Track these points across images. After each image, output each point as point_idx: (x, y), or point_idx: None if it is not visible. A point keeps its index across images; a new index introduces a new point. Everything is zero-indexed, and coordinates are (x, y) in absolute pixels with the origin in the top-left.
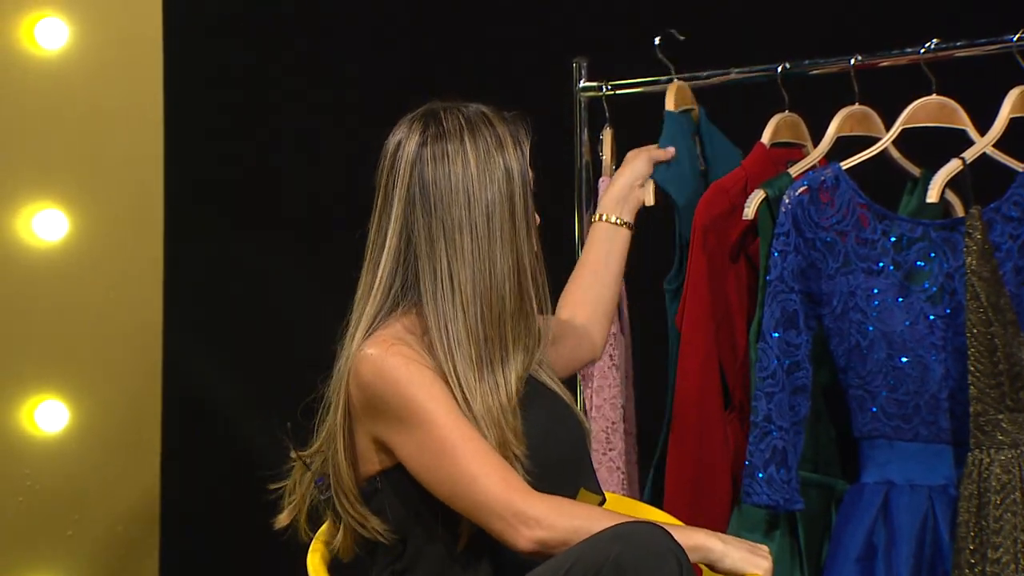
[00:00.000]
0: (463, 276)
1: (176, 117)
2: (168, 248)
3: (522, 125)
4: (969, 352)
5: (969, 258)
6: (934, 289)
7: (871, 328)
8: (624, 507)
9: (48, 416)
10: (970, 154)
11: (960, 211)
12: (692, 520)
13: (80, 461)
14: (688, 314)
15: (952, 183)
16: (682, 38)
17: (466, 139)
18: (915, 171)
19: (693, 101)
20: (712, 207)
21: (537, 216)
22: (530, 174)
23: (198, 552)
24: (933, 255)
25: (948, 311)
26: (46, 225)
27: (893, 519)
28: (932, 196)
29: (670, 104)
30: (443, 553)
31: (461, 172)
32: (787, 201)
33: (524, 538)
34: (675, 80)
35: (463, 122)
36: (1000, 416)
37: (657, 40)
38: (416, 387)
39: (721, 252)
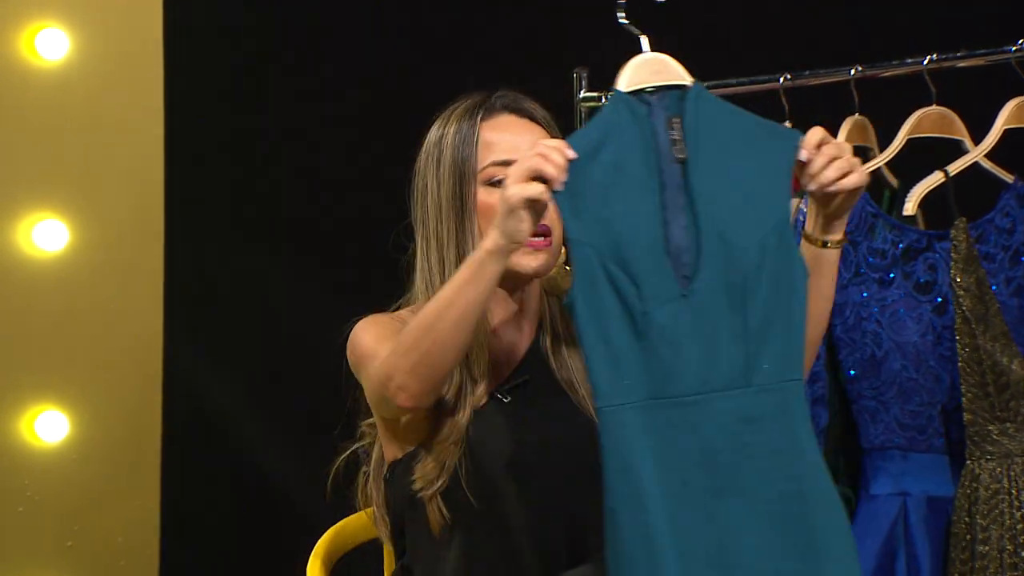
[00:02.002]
0: (419, 276)
1: (177, 127)
2: (168, 258)
3: (494, 111)
4: (959, 364)
5: (954, 270)
6: (939, 300)
7: (885, 339)
8: None
9: (48, 426)
10: (954, 166)
11: (922, 224)
12: None
13: (80, 471)
14: None
15: (938, 195)
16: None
17: (426, 137)
18: (894, 182)
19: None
20: None
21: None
22: (474, 163)
23: (198, 562)
24: (937, 266)
25: (952, 322)
26: (46, 235)
27: (912, 531)
28: (909, 208)
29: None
30: (429, 544)
31: (418, 171)
32: (804, 209)
33: (395, 398)
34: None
35: (437, 118)
36: (990, 427)
37: (621, 16)
38: (363, 331)
39: None
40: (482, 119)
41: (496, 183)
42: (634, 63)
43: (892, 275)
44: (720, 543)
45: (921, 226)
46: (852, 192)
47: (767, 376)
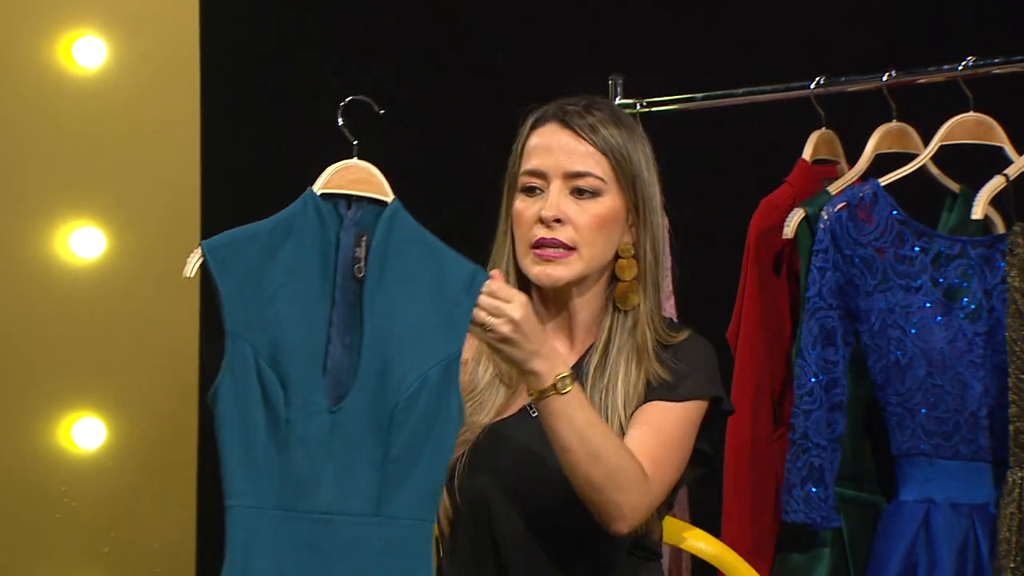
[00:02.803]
0: None
1: (213, 134)
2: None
3: (546, 119)
4: (1010, 369)
5: (1011, 274)
6: (972, 306)
7: (910, 345)
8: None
9: (85, 433)
10: (1013, 171)
11: (1000, 227)
12: (749, 537)
13: (117, 478)
14: (744, 330)
15: (992, 199)
16: (381, 111)
17: None
18: (954, 187)
19: None
20: (764, 223)
21: (543, 215)
22: (517, 169)
23: None
24: (971, 272)
25: (986, 328)
26: (83, 243)
27: (934, 538)
28: (977, 213)
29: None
30: (442, 531)
31: None
32: (825, 217)
33: None
34: None
35: None
36: None
37: (341, 120)
38: None
39: (772, 268)
40: (533, 126)
41: (526, 190)
42: (336, 166)
43: (919, 282)
44: None
45: (999, 228)
46: (498, 343)
47: (397, 510)
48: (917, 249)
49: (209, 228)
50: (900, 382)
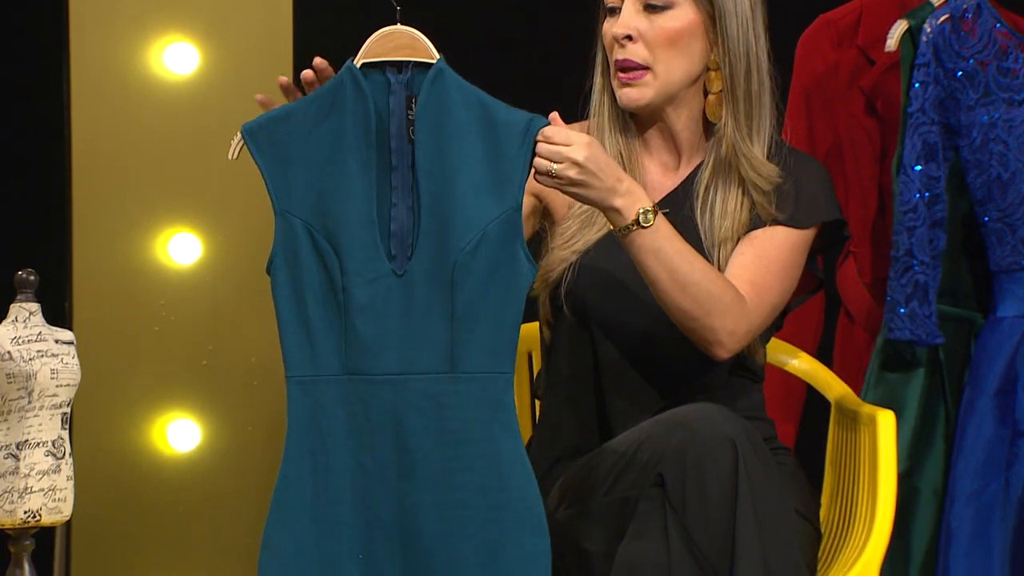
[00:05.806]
0: None
1: None
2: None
3: None
4: None
5: None
6: None
7: (1012, 160)
8: None
9: (181, 248)
10: None
11: None
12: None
13: (214, 293)
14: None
15: None
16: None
17: None
18: None
19: None
20: (816, 39)
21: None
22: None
23: None
24: None
25: None
26: (177, 58)
27: None
28: None
29: None
30: (543, 342)
31: None
32: (928, 30)
33: None
34: None
35: None
36: None
37: None
38: None
39: (827, 86)
40: None
41: (609, 11)
42: (378, 35)
43: (1022, 96)
44: (401, 522)
45: None
46: (568, 187)
47: (471, 365)
48: (1021, 62)
49: (301, 47)
50: (1001, 197)
